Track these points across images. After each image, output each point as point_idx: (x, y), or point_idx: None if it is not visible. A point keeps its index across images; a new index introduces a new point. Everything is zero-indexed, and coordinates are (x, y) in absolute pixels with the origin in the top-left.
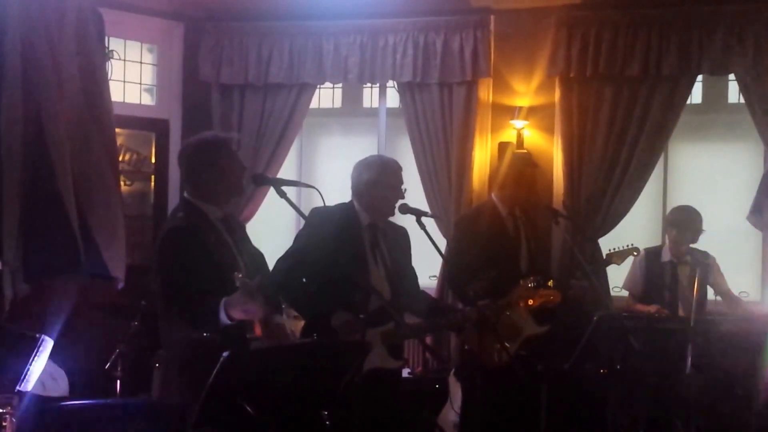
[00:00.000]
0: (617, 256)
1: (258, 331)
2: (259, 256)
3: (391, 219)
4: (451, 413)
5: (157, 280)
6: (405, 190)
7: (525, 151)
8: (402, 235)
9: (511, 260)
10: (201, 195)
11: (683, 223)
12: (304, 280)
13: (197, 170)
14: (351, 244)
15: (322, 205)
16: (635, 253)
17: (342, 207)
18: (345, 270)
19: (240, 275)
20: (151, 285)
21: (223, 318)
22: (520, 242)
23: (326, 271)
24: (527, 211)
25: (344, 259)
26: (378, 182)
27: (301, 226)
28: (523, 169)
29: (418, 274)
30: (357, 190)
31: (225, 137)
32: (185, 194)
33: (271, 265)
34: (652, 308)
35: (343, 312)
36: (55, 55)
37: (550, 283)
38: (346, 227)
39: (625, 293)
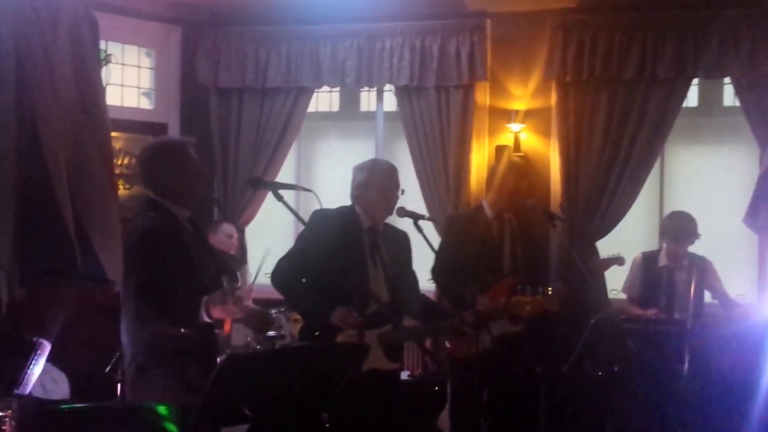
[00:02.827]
0: (601, 264)
1: (227, 328)
2: (221, 256)
3: (390, 222)
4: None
5: (132, 279)
6: (403, 192)
7: (521, 155)
8: (402, 238)
9: (493, 262)
10: (166, 195)
11: (677, 232)
12: (304, 280)
13: (159, 170)
14: (351, 246)
15: (321, 208)
16: (620, 264)
17: (343, 210)
18: (344, 272)
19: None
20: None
21: (203, 316)
22: (503, 246)
23: (326, 272)
24: (519, 216)
25: (344, 261)
26: (372, 184)
27: (301, 229)
28: (514, 179)
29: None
30: (355, 193)
31: (184, 140)
32: (150, 195)
33: (269, 266)
34: (650, 312)
35: (339, 307)
36: (50, 59)
37: (549, 290)
38: (346, 230)
39: (623, 296)
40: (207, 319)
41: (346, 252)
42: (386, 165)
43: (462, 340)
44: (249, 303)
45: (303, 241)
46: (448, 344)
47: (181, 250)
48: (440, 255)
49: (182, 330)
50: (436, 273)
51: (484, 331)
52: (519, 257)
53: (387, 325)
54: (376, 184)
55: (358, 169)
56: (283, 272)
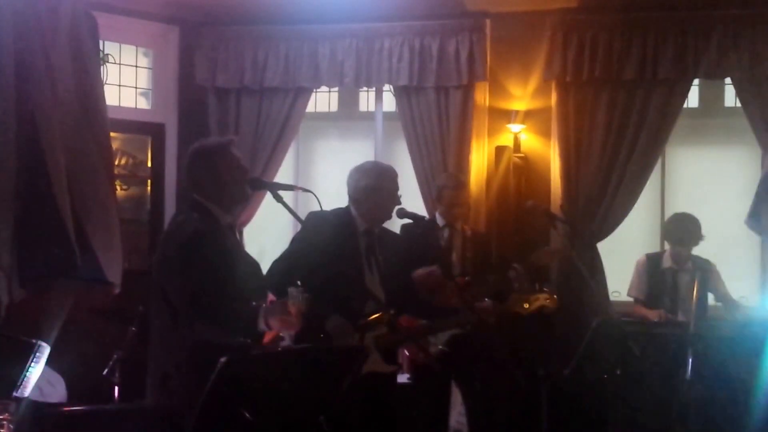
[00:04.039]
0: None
1: (266, 340)
2: (255, 265)
3: (389, 223)
4: (452, 418)
5: (178, 281)
6: (401, 196)
7: (521, 156)
8: (398, 240)
9: (442, 268)
10: (212, 198)
11: (681, 234)
12: (299, 283)
13: (214, 173)
14: (346, 248)
15: (319, 209)
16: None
17: (339, 212)
18: (340, 274)
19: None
20: (159, 287)
21: (261, 325)
22: (451, 253)
23: (321, 274)
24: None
25: (339, 263)
26: (375, 188)
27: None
28: (450, 192)
29: None
30: (354, 196)
31: (227, 141)
32: (195, 196)
33: (266, 268)
34: (655, 314)
35: (336, 316)
36: (49, 60)
37: (546, 290)
38: (342, 232)
39: (625, 298)
40: (264, 328)
41: (341, 254)
42: (391, 170)
43: (415, 345)
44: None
45: (298, 243)
46: (407, 352)
47: (227, 256)
48: None
49: (247, 341)
50: None
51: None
52: (468, 262)
53: (383, 328)
54: (384, 189)
55: (362, 172)
56: (278, 275)
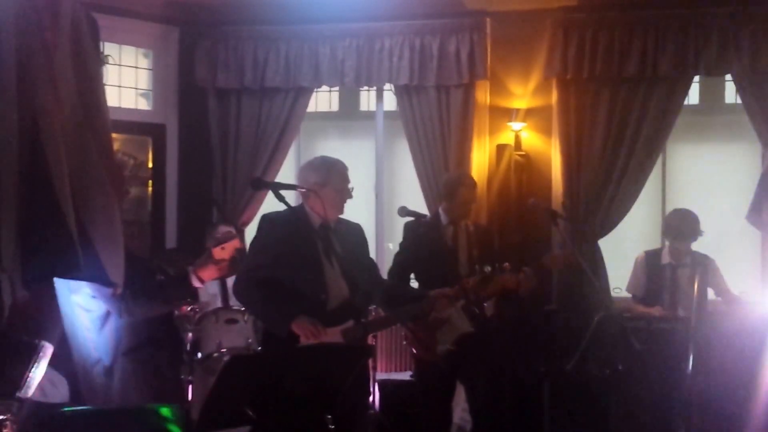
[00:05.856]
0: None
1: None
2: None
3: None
4: (456, 414)
5: None
6: (352, 189)
7: (522, 154)
8: (355, 230)
9: (447, 267)
10: None
11: (679, 230)
12: (263, 289)
13: None
14: (303, 247)
15: (269, 212)
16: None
17: (292, 210)
18: (300, 273)
19: None
20: None
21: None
22: (457, 250)
23: (282, 275)
24: (480, 224)
25: (298, 262)
26: (329, 184)
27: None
28: (465, 191)
29: None
30: (304, 193)
31: None
32: None
33: None
34: (655, 310)
35: (303, 316)
36: (51, 62)
37: (504, 266)
38: (297, 230)
39: (626, 294)
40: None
41: (299, 253)
42: (340, 164)
43: (422, 344)
44: None
45: (254, 250)
46: (414, 350)
47: None
48: (397, 259)
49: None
50: (392, 275)
51: (442, 334)
52: (476, 262)
53: (348, 320)
54: (333, 184)
55: (310, 168)
56: (242, 284)
